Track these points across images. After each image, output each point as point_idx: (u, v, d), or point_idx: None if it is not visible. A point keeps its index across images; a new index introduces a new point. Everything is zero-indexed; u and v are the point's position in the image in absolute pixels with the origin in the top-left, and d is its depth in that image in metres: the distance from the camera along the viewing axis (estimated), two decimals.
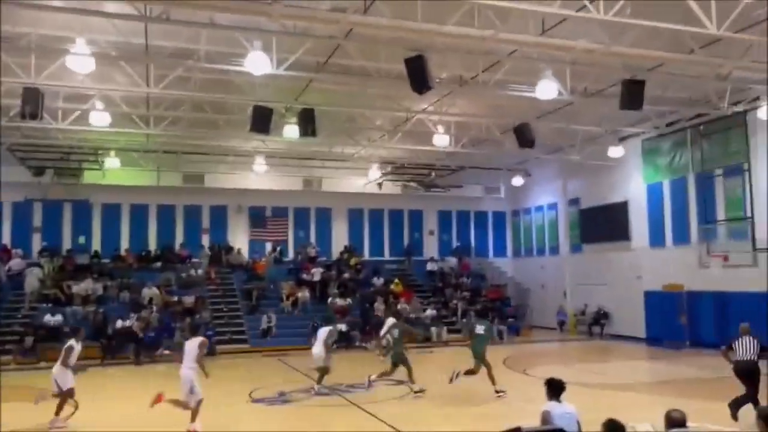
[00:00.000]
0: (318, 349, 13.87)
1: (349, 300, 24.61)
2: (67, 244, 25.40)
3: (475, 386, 13.52)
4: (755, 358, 10.05)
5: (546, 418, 6.31)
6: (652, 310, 22.14)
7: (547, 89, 13.98)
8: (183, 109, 17.68)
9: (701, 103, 17.65)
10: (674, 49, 12.25)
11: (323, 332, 14.14)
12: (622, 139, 21.20)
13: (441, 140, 19.73)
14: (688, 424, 5.38)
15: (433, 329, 23.81)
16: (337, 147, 23.02)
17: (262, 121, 15.24)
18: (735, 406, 10.00)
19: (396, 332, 13.91)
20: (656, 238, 22.33)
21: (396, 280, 26.88)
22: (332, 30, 11.79)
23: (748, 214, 18.69)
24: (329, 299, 24.55)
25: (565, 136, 21.21)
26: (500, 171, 27.98)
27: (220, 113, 18.23)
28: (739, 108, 17.34)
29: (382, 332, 14.70)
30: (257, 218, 28.27)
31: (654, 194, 22.47)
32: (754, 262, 17.99)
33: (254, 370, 17.83)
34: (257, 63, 12.16)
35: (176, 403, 10.12)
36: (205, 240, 27.33)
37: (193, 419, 9.85)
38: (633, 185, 23.32)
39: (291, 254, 28.45)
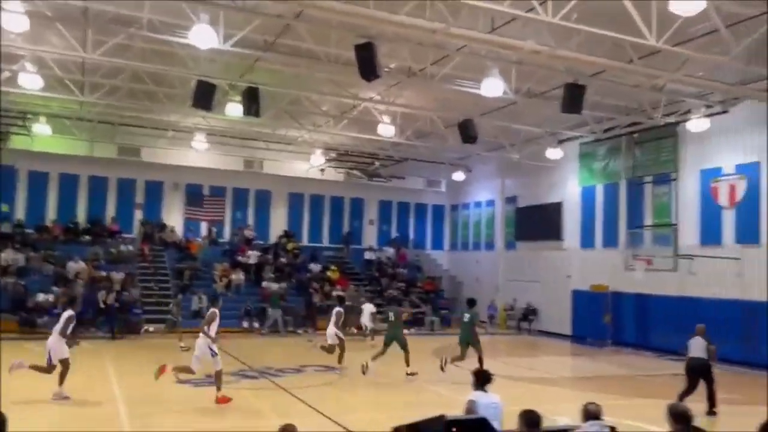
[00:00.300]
0: (331, 329, 14.71)
1: (284, 284, 24.42)
2: None
3: (403, 375, 13.69)
4: (705, 356, 10.94)
5: (471, 407, 6.44)
6: (578, 309, 22.95)
7: (493, 87, 14.21)
8: (121, 78, 17.00)
9: (637, 112, 18.34)
10: (615, 57, 12.63)
11: (334, 313, 14.99)
12: (560, 142, 21.80)
13: (386, 130, 19.77)
14: (604, 418, 5.60)
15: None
16: (281, 129, 22.73)
17: (205, 96, 14.84)
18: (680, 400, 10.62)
19: (391, 315, 14.64)
20: (587, 240, 23.13)
21: (333, 267, 26.85)
22: (282, 9, 11.60)
23: (674, 222, 19.60)
24: (263, 283, 24.29)
25: (506, 134, 21.63)
26: (442, 165, 28.30)
27: (161, 86, 17.64)
28: (672, 119, 18.11)
29: (362, 319, 16.43)
30: (194, 197, 27.59)
31: (587, 197, 23.24)
32: (675, 267, 18.89)
33: (182, 351, 17.43)
34: (203, 36, 11.82)
35: (182, 369, 11.00)
36: (138, 215, 26.50)
37: (218, 389, 10.68)
38: (568, 187, 24.04)
39: (227, 235, 27.95)
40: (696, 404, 8.69)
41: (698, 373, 11.00)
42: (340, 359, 14.47)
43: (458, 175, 27.66)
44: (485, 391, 6.70)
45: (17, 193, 24.64)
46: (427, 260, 31.19)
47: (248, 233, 27.61)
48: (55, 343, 10.75)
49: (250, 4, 11.79)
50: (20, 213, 24.55)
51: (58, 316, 11.97)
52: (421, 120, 20.45)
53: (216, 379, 10.69)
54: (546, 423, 5.91)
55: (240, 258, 25.80)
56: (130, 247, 24.72)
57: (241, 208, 28.49)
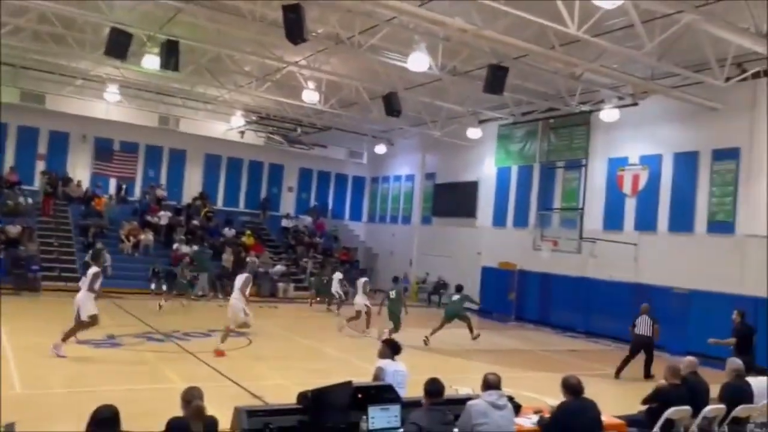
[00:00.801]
0: (360, 298, 16.46)
1: (195, 247, 23.80)
2: None
3: (317, 345, 13.77)
4: (650, 332, 12.90)
5: (378, 373, 6.58)
6: (487, 285, 23.76)
7: (419, 62, 14.29)
8: (27, 18, 15.76)
9: (554, 98, 18.98)
10: (538, 43, 12.98)
11: (361, 282, 16.82)
12: (481, 122, 22.28)
13: (310, 96, 19.49)
14: (503, 388, 5.87)
15: (281, 285, 23.78)
16: (200, 87, 21.94)
17: (120, 45, 14.02)
18: (621, 368, 12.97)
19: (393, 293, 15.89)
20: (499, 219, 23.90)
21: (248, 232, 26.42)
22: None
23: (580, 206, 20.56)
24: (174, 245, 23.59)
25: (429, 111, 21.85)
26: (365, 137, 28.28)
27: (71, 30, 16.51)
28: (586, 108, 18.87)
29: (334, 288, 19.39)
30: (104, 151, 26.26)
31: (502, 178, 23.95)
32: (578, 249, 19.86)
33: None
34: None
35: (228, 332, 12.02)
36: (41, 166, 24.94)
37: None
38: (485, 167, 24.66)
39: (138, 194, 26.86)
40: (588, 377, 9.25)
41: (641, 347, 12.94)
42: (367, 324, 16.14)
43: (380, 148, 27.75)
44: (394, 359, 6.85)
45: None
46: (345, 231, 31.27)
47: (160, 193, 26.65)
48: (84, 299, 10.83)
49: None
50: None
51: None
52: (347, 89, 20.27)
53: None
54: (449, 392, 6.14)
55: (150, 218, 24.90)
56: (30, 200, 23.27)
57: (153, 166, 27.40)
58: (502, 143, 23.78)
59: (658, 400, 7.13)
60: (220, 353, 11.65)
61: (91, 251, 15.93)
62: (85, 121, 24.72)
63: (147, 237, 23.61)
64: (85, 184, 25.51)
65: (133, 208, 25.67)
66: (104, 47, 14.31)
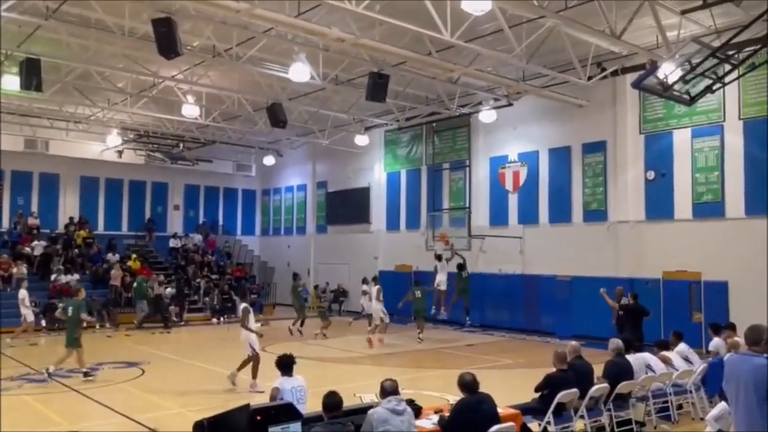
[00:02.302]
0: (377, 305, 17.22)
1: (76, 276, 22.29)
2: None
3: (214, 368, 13.31)
4: None
5: (275, 393, 6.46)
6: (385, 288, 23.91)
7: (300, 72, 14.22)
8: None
9: (435, 103, 19.56)
10: (415, 49, 13.32)
11: (374, 290, 17.64)
12: (367, 129, 22.54)
13: (190, 111, 18.84)
14: (403, 391, 5.95)
15: (172, 308, 22.77)
16: (69, 106, 20.62)
17: None
18: None
19: (418, 292, 17.72)
20: (392, 222, 24.28)
21: (133, 256, 25.12)
22: None
23: (467, 205, 21.31)
24: (53, 276, 21.97)
25: (316, 120, 21.83)
26: (252, 149, 27.76)
27: None
28: (465, 110, 19.60)
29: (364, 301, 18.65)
30: None
31: (392, 182, 24.37)
32: (468, 246, 20.56)
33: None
34: None
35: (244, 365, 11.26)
36: None
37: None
38: (375, 172, 24.98)
39: (5, 224, 24.79)
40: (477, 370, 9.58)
41: None
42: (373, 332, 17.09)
43: (269, 160, 27.35)
44: (291, 375, 6.76)
45: None
46: (238, 246, 30.48)
47: (32, 221, 24.74)
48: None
49: None
50: None
51: None
52: (229, 102, 19.82)
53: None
54: (353, 401, 6.15)
55: (22, 249, 23.07)
56: None
57: (22, 193, 25.40)
58: (390, 148, 24.22)
59: (548, 387, 7.50)
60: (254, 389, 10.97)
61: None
62: None
63: (20, 270, 21.79)
64: None
65: (2, 240, 23.66)
66: None
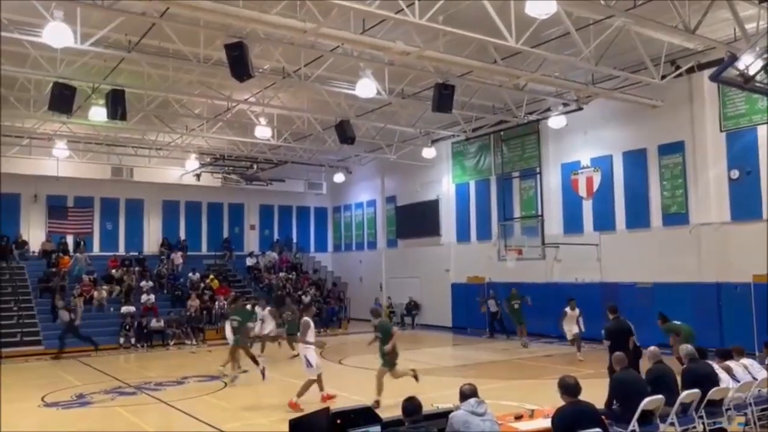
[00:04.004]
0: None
1: (152, 297, 23.23)
2: None
3: (291, 379, 13.59)
4: None
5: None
6: (457, 301, 23.89)
7: (366, 88, 14.46)
8: None
9: (502, 111, 19.41)
10: (480, 58, 13.32)
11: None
12: (434, 141, 22.60)
13: (263, 132, 19.48)
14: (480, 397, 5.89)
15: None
16: (151, 134, 21.75)
17: (64, 100, 13.79)
18: None
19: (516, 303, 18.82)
20: (462, 234, 24.14)
21: (211, 276, 26.04)
22: (145, 6, 11.10)
23: (539, 213, 20.94)
24: (143, 297, 23.00)
25: (383, 135, 22.09)
26: (322, 167, 28.36)
27: (11, 89, 16.24)
28: (533, 117, 19.34)
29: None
30: (57, 209, 25.67)
31: (461, 193, 24.27)
32: (543, 255, 20.19)
33: (49, 374, 16.16)
34: (58, 34, 11.03)
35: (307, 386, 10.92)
36: None
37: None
38: (444, 185, 24.97)
39: (96, 248, 26.27)
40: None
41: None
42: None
43: (339, 177, 27.85)
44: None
45: None
46: (312, 262, 31.08)
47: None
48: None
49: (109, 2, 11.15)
50: None
51: None
52: (299, 122, 20.38)
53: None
54: (430, 410, 6.13)
55: (112, 271, 24.39)
56: None
57: (111, 218, 26.90)
58: (458, 160, 24.18)
59: (616, 390, 7.29)
60: (295, 405, 10.60)
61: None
62: (36, 180, 24.20)
63: (100, 294, 22.85)
64: (36, 243, 24.88)
65: (96, 263, 25.08)
66: (48, 103, 14.09)
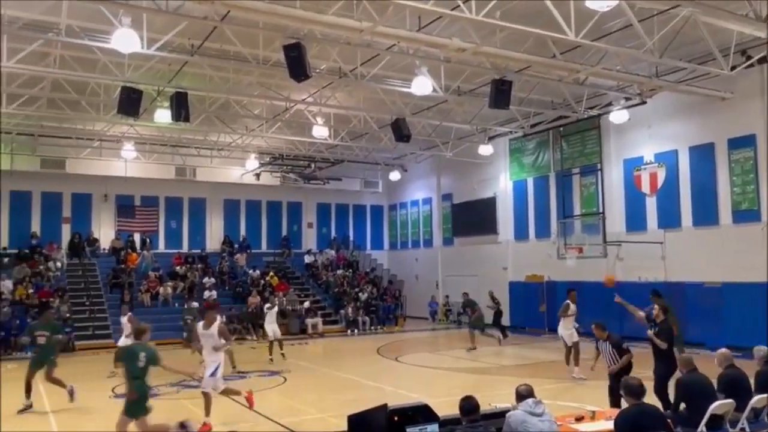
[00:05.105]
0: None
1: (214, 293, 23.91)
2: None
3: (345, 375, 13.75)
4: None
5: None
6: (515, 299, 23.56)
7: (422, 85, 14.42)
8: (41, 87, 16.30)
9: (561, 106, 19.01)
10: (538, 53, 13.09)
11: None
12: (491, 138, 22.35)
13: (320, 132, 19.74)
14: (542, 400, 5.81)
15: (309, 321, 23.79)
16: (212, 135, 22.36)
17: (131, 103, 14.40)
18: None
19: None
20: (520, 232, 23.78)
21: (271, 273, 26.58)
22: (207, 11, 11.43)
23: (601, 210, 20.41)
24: (205, 293, 23.70)
25: (439, 133, 22.01)
26: (378, 166, 28.50)
27: (83, 94, 17.01)
28: (594, 112, 18.86)
29: None
30: (125, 207, 26.76)
31: (519, 191, 23.91)
32: (604, 253, 19.67)
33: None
34: (125, 40, 11.50)
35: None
36: (66, 230, 25.44)
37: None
38: (501, 182, 24.66)
39: (162, 245, 27.23)
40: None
41: None
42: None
43: (395, 175, 27.93)
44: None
45: None
46: (368, 260, 31.30)
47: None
48: None
49: (173, 5, 11.52)
50: None
51: None
52: (355, 120, 20.55)
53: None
54: (488, 409, 6.09)
55: (177, 269, 25.24)
56: (58, 263, 23.73)
57: (175, 217, 27.82)
58: (515, 157, 23.82)
59: (684, 392, 7.04)
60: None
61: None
62: (106, 181, 25.28)
63: (165, 290, 23.67)
64: (105, 241, 26.02)
65: (161, 260, 26.01)
66: (117, 107, 14.70)
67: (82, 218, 25.81)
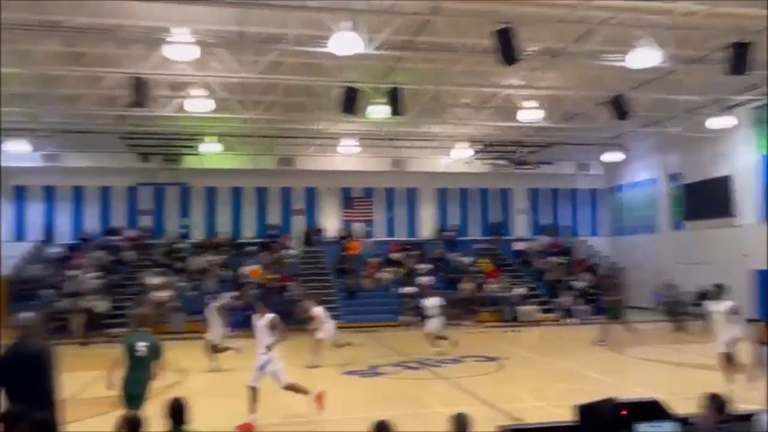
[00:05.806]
0: None
1: (432, 277, 24.64)
2: (171, 225, 27.14)
3: (565, 363, 13.36)
4: None
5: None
6: (761, 290, 20.78)
7: (644, 58, 13.32)
8: (276, 93, 18.19)
9: None
10: None
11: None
12: (726, 109, 19.89)
13: (531, 115, 19.26)
14: None
15: (521, 309, 23.47)
16: (424, 126, 23.00)
17: (351, 102, 15.42)
18: None
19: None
20: (767, 213, 20.87)
21: (483, 260, 26.69)
22: (417, 6, 11.77)
23: None
24: (421, 279, 24.64)
25: (663, 107, 20.18)
26: (592, 147, 26.98)
27: (307, 96, 18.61)
28: None
29: None
30: (346, 199, 28.90)
31: (765, 167, 20.97)
32: None
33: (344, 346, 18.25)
34: (345, 42, 12.31)
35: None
36: (298, 221, 28.21)
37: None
38: (740, 157, 21.86)
39: (379, 234, 28.85)
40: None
41: None
42: None
43: (612, 156, 26.26)
44: None
45: (192, 207, 27.43)
46: (584, 247, 29.86)
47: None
48: None
49: (386, 5, 12.04)
50: (198, 226, 27.30)
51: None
52: (568, 101, 19.70)
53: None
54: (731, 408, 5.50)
55: (393, 255, 26.62)
56: (292, 251, 26.47)
57: (391, 206, 29.29)
58: (761, 128, 20.88)
59: None
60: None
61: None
62: (328, 175, 27.48)
63: (380, 275, 25.03)
64: (333, 231, 28.29)
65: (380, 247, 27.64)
66: (340, 106, 15.76)
67: (310, 209, 28.46)
